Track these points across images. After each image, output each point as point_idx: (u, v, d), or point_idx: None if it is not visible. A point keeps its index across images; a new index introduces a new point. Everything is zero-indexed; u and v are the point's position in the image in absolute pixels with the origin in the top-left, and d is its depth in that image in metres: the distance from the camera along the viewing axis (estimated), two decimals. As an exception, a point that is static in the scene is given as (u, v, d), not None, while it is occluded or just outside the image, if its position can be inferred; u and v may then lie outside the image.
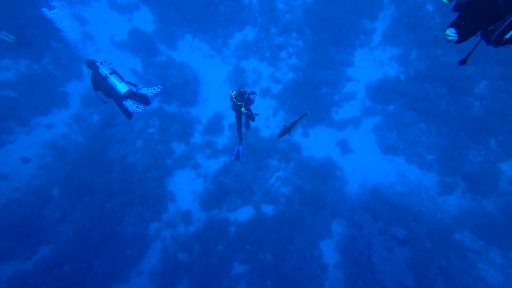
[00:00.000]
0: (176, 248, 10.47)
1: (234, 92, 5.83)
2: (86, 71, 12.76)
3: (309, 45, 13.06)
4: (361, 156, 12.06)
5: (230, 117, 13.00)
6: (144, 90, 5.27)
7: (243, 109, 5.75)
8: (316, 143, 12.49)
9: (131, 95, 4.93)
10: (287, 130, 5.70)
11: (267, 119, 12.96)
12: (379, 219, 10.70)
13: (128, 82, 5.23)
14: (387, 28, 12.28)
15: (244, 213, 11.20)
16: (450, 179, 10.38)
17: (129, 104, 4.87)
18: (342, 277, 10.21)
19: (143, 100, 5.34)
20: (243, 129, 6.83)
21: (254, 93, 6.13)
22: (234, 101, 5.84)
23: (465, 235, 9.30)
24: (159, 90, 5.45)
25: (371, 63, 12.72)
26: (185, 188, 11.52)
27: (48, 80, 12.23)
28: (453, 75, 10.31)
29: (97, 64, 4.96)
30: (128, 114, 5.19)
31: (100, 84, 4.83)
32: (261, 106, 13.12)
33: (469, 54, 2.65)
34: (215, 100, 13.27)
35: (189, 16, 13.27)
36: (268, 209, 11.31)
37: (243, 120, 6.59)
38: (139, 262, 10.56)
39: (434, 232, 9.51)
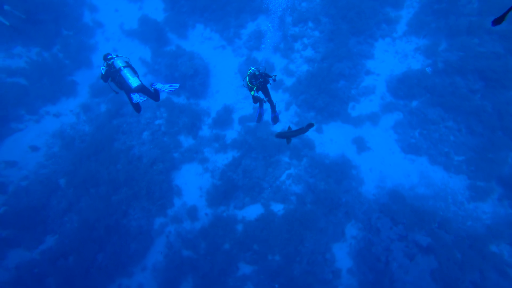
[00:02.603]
0: (181, 245, 9.66)
1: (251, 71, 5.16)
2: (95, 60, 12.05)
3: (326, 36, 11.77)
4: (379, 155, 10.76)
5: (240, 110, 11.97)
6: (159, 86, 5.12)
7: (252, 93, 5.15)
8: (331, 139, 11.26)
9: (142, 89, 4.85)
10: (287, 136, 5.17)
11: (279, 114, 11.75)
12: (399, 224, 9.46)
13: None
14: (413, 17, 10.81)
15: (253, 211, 10.20)
16: (483, 184, 8.96)
17: (135, 96, 4.82)
18: (356, 284, 9.08)
19: (153, 95, 5.10)
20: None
21: (270, 76, 5.14)
22: (247, 83, 5.18)
23: (502, 247, 7.92)
24: (176, 87, 5.25)
25: (393, 55, 11.29)
26: (192, 183, 10.63)
27: (58, 69, 11.63)
28: (492, 66, 8.80)
29: (113, 56, 4.87)
30: (137, 108, 5.01)
31: (113, 76, 4.76)
32: (273, 99, 11.94)
33: (509, 9, 1.95)
34: (225, 92, 12.24)
35: (200, 4, 12.25)
36: (278, 207, 10.26)
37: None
38: (143, 257, 9.83)
39: (464, 242, 8.18)
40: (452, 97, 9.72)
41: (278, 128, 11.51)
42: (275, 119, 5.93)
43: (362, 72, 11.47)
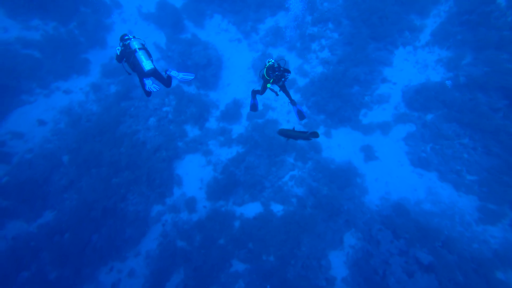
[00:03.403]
0: (176, 235, 9.38)
1: (270, 63, 4.84)
2: (110, 40, 11.76)
3: (345, 38, 11.24)
4: (387, 166, 10.26)
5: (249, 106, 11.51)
6: (174, 73, 4.98)
7: (268, 85, 4.87)
8: (338, 145, 10.79)
9: (154, 73, 4.70)
10: (289, 135, 4.94)
11: (289, 113, 11.37)
12: (401, 238, 8.99)
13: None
14: (439, 26, 10.19)
15: (252, 209, 9.84)
16: (495, 207, 8.41)
17: (148, 82, 4.66)
18: (350, 295, 8.63)
19: (165, 81, 5.00)
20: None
21: (288, 71, 4.94)
22: (264, 74, 4.85)
23: (510, 275, 7.39)
24: (192, 78, 5.09)
25: (413, 65, 10.71)
26: (193, 174, 10.31)
27: (72, 45, 11.37)
28: (519, 85, 8.17)
29: (130, 37, 4.77)
30: (147, 93, 4.85)
31: (128, 57, 4.66)
32: (283, 98, 11.51)
33: None
34: (236, 86, 11.84)
35: (220, -7, 11.79)
36: (277, 208, 9.88)
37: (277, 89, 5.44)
38: (138, 242, 9.59)
39: (468, 264, 7.68)
40: (471, 113, 9.14)
41: (285, 127, 11.11)
42: (301, 114, 5.46)
43: (378, 79, 10.93)
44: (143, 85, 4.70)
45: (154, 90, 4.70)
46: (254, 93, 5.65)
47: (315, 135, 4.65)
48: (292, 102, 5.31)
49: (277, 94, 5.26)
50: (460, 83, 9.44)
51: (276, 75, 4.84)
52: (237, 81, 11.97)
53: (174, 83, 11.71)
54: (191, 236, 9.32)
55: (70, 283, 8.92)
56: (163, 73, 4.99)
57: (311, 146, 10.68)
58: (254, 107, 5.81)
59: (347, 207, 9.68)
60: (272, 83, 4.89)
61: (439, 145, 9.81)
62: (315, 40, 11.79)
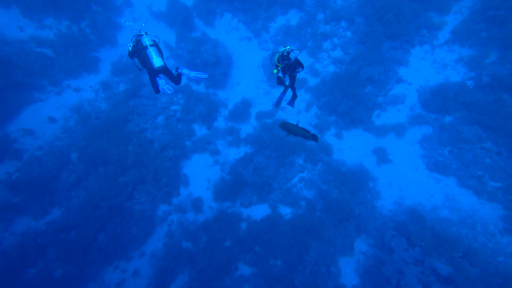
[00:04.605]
0: (182, 236, 8.95)
1: (283, 49, 4.53)
2: (120, 38, 11.47)
3: (358, 37, 10.58)
4: (401, 170, 9.55)
5: (259, 105, 11.05)
6: (185, 71, 4.87)
7: (275, 71, 4.64)
8: (350, 147, 10.14)
9: (164, 70, 4.62)
10: (290, 129, 4.76)
11: (299, 113, 10.80)
12: (416, 246, 8.29)
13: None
14: (460, 24, 9.41)
15: (259, 211, 9.32)
16: (523, 217, 7.56)
17: (161, 82, 4.63)
18: (361, 305, 7.97)
19: (175, 79, 4.90)
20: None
21: (301, 64, 4.67)
22: (275, 61, 4.63)
23: (542, 294, 6.60)
24: (205, 77, 4.97)
25: (431, 65, 9.95)
26: (200, 174, 9.87)
27: (84, 44, 11.14)
28: (552, 86, 7.33)
29: (142, 33, 4.74)
30: (156, 90, 4.74)
31: (139, 53, 4.60)
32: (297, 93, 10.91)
33: None
34: (245, 85, 11.34)
35: (231, -8, 11.33)
36: (285, 211, 9.32)
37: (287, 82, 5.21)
38: (143, 242, 9.22)
39: (493, 279, 6.92)
40: (495, 116, 8.33)
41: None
42: (291, 103, 5.52)
43: (393, 79, 10.22)
44: (154, 83, 4.58)
45: (169, 92, 4.64)
46: (284, 86, 5.32)
47: (315, 138, 4.48)
48: (292, 99, 5.25)
49: (285, 85, 4.88)
50: (484, 83, 8.64)
51: (285, 63, 4.49)
52: (247, 80, 11.48)
53: (183, 81, 11.32)
54: (197, 237, 8.88)
55: (75, 282, 8.62)
56: (173, 71, 4.83)
57: (321, 147, 10.07)
58: (278, 101, 5.58)
59: (358, 212, 9.04)
60: (282, 72, 4.57)
61: (458, 148, 9.03)
62: (327, 39, 11.17)
